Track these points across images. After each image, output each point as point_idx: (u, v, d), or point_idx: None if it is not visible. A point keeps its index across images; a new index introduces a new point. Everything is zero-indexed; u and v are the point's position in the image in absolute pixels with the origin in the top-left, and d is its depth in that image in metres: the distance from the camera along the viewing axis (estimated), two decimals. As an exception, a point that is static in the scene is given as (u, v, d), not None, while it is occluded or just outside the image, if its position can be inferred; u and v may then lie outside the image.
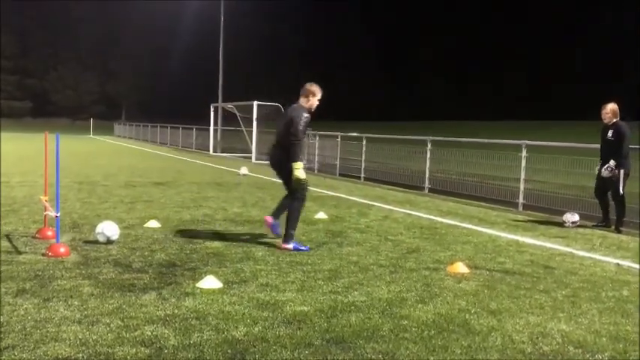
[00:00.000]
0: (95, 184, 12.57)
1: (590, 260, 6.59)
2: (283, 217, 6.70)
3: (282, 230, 6.64)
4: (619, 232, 8.57)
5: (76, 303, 4.38)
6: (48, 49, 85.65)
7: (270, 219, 6.74)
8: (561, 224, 9.04)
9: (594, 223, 9.05)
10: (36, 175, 13.48)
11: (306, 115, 6.44)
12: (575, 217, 9.02)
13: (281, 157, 6.54)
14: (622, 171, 8.53)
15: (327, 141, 19.38)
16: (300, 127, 6.35)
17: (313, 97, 6.64)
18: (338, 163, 17.96)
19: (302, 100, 6.63)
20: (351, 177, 16.87)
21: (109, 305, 4.36)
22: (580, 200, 10.10)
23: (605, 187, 8.85)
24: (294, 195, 6.59)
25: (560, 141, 12.11)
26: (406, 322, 4.22)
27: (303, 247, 6.52)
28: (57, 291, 4.67)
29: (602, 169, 8.60)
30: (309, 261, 6.00)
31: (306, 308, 4.44)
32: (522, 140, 11.51)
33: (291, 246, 6.49)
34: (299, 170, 6.37)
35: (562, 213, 10.10)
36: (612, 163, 8.51)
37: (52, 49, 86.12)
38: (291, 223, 6.54)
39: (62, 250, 5.86)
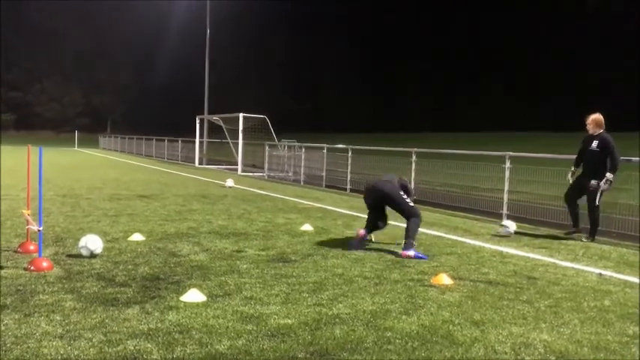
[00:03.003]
0: (79, 198, 12.48)
1: (573, 270, 6.65)
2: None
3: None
4: (592, 240, 8.68)
5: (57, 318, 4.35)
6: (32, 62, 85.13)
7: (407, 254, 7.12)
8: (545, 236, 9.12)
9: (565, 231, 9.15)
10: (18, 188, 13.35)
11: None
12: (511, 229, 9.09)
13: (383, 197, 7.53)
14: (607, 184, 8.59)
15: (313, 152, 19.43)
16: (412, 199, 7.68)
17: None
18: (324, 174, 18.00)
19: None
20: (337, 188, 16.91)
21: (91, 320, 4.33)
22: (563, 211, 10.19)
23: (578, 194, 8.94)
24: (413, 215, 7.37)
25: (543, 152, 12.23)
26: (390, 333, 4.23)
27: (422, 255, 7.05)
28: (38, 306, 4.62)
29: (602, 183, 8.51)
30: (294, 273, 6.00)
31: (290, 321, 4.44)
32: (506, 152, 11.62)
33: (412, 253, 7.02)
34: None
35: (546, 224, 10.20)
36: (610, 175, 8.50)
37: (36, 62, 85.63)
38: (411, 234, 7.20)
39: (45, 264, 5.81)
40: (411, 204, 7.50)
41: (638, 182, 8.88)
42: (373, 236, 7.94)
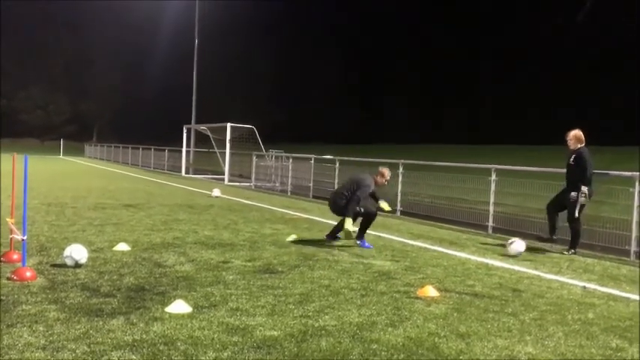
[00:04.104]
0: (64, 206, 12.38)
1: (557, 283, 6.71)
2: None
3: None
4: (572, 253, 8.76)
5: (41, 329, 4.30)
6: (17, 68, 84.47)
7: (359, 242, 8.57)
8: (530, 248, 9.18)
9: (540, 236, 9.25)
10: (2, 196, 13.19)
11: (372, 187, 8.68)
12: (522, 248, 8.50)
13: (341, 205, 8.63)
14: (582, 197, 8.72)
15: (301, 163, 19.44)
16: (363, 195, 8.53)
17: (382, 177, 8.93)
18: (311, 185, 18.01)
19: (376, 178, 8.89)
20: (325, 199, 16.88)
21: (75, 331, 4.29)
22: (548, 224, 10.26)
23: (558, 204, 9.06)
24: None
25: (528, 165, 12.33)
26: (376, 346, 4.24)
27: (367, 245, 8.48)
28: (21, 316, 4.57)
29: (579, 195, 8.66)
30: (280, 285, 5.99)
31: (276, 333, 4.43)
32: (492, 165, 11.71)
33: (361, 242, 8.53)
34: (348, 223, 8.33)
35: (531, 236, 10.25)
36: (585, 189, 8.64)
37: (22, 68, 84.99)
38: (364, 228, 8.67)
39: (28, 274, 5.75)
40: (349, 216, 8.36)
41: (638, 197, 8.92)
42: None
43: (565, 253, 8.81)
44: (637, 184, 8.84)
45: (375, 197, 9.00)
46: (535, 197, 10.81)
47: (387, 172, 9.04)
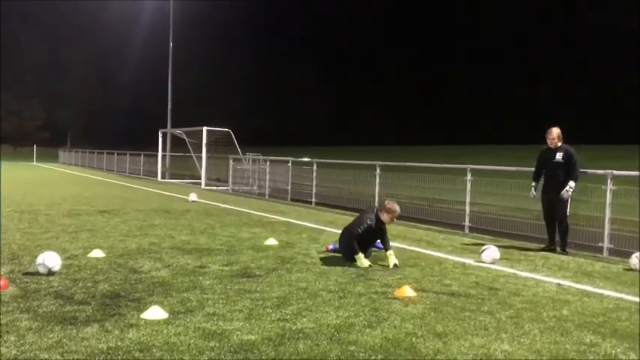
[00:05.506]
0: (37, 213, 12.17)
1: (533, 281, 6.78)
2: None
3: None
4: (565, 253, 8.81)
5: (12, 339, 4.21)
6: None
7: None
8: (506, 247, 9.28)
9: (542, 247, 9.24)
10: (-26, 204, 12.95)
11: (369, 222, 7.44)
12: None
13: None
14: (571, 191, 8.82)
15: (278, 166, 19.41)
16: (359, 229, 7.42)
17: (387, 213, 7.54)
18: (289, 188, 17.98)
19: (381, 213, 7.56)
20: (303, 202, 16.90)
21: (48, 340, 4.21)
22: (523, 223, 10.40)
23: (553, 210, 8.98)
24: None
25: (503, 165, 12.45)
26: (354, 347, 4.23)
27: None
28: (-8, 326, 4.47)
29: (563, 192, 8.71)
30: (258, 288, 5.96)
31: (253, 337, 4.40)
32: (467, 165, 11.80)
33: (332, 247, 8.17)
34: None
35: (507, 235, 10.36)
36: (572, 184, 8.73)
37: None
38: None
39: (-1, 283, 5.64)
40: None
41: (610, 194, 9.04)
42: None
43: (564, 252, 8.83)
44: (609, 181, 9.00)
45: (382, 235, 7.54)
46: (510, 196, 10.93)
47: (391, 206, 7.55)
